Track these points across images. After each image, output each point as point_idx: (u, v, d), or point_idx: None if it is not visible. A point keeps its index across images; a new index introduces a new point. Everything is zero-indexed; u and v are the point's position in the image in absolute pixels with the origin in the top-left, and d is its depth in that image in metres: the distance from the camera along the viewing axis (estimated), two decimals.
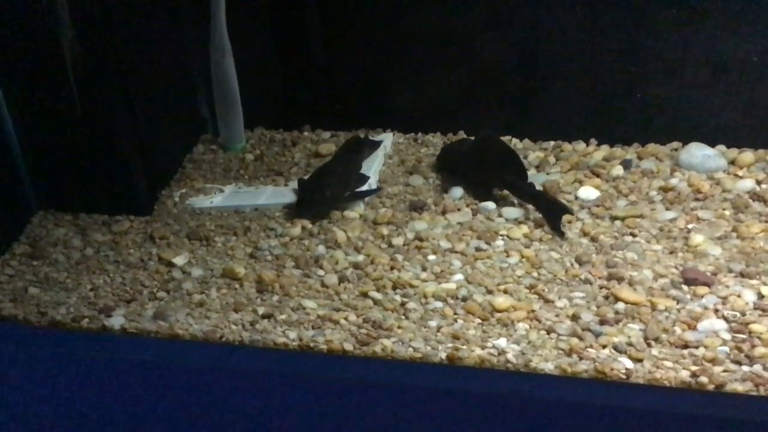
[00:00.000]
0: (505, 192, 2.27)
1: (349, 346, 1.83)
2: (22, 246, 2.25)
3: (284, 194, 2.37)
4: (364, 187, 2.33)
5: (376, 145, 2.53)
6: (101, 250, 2.22)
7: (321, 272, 2.06)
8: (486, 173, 2.30)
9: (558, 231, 2.12)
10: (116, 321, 1.96)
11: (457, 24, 2.47)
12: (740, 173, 2.23)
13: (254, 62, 2.58)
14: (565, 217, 2.13)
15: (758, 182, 2.18)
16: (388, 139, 2.59)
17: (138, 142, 2.30)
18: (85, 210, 2.33)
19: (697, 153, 2.27)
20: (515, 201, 2.24)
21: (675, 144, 2.39)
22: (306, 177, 2.39)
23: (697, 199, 2.16)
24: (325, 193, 2.24)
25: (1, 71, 2.18)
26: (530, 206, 2.20)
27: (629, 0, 2.29)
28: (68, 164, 2.27)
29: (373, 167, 2.43)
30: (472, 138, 2.46)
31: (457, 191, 2.31)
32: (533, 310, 1.87)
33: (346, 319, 1.91)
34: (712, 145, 2.32)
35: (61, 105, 2.16)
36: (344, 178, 2.32)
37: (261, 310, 1.95)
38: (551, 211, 2.16)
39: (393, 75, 2.59)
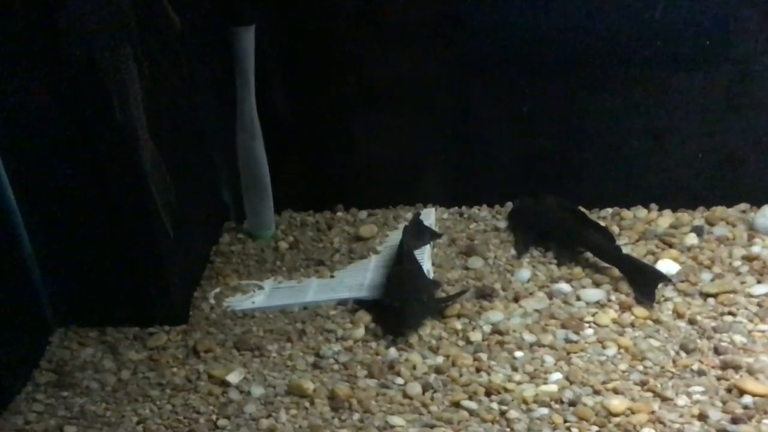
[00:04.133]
0: (588, 255, 2.14)
1: None
2: (45, 374, 1.92)
3: (333, 288, 2.12)
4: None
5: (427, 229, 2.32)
6: (139, 371, 1.91)
7: (400, 380, 1.82)
8: (570, 234, 2.17)
9: (650, 298, 1.97)
10: None
11: (497, 87, 2.33)
12: None
13: (278, 141, 2.34)
14: (657, 291, 1.99)
15: None
16: (431, 215, 2.39)
17: (166, 239, 1.99)
18: (112, 324, 2.02)
19: None
20: (592, 276, 2.08)
21: (743, 206, 2.27)
22: (387, 287, 2.06)
23: None
24: (423, 300, 1.98)
25: (10, 165, 1.88)
26: (609, 285, 2.05)
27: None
28: (88, 271, 1.96)
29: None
30: (549, 197, 2.30)
31: (525, 273, 2.12)
32: (653, 411, 1.68)
33: None
34: None
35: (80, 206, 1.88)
36: (425, 280, 2.08)
37: None
38: (642, 277, 2.01)
39: (430, 144, 2.41)
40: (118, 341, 2.00)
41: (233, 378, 1.86)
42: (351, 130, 2.43)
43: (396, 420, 1.73)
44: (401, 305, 1.95)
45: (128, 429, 1.75)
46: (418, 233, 2.28)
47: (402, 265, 2.11)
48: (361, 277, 2.15)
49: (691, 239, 2.18)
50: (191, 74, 2.14)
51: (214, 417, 1.76)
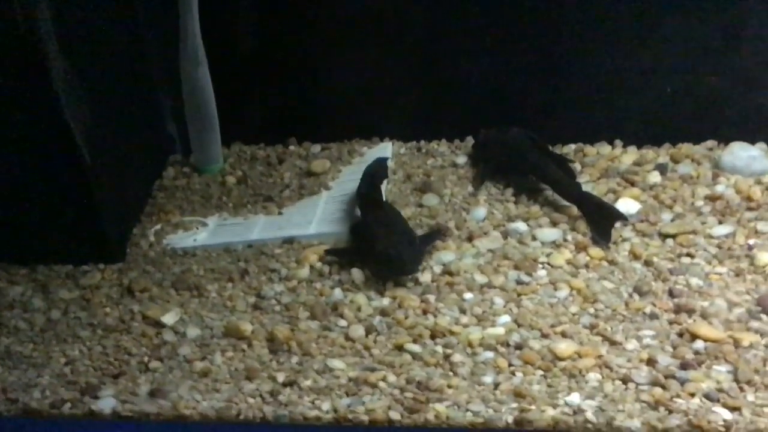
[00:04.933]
0: (549, 191, 2.06)
1: (395, 415, 1.54)
2: None
3: (280, 225, 2.04)
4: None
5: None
6: (70, 311, 1.84)
7: (343, 323, 1.76)
8: (530, 167, 2.09)
9: (606, 237, 1.90)
10: (105, 404, 1.61)
11: (462, 20, 2.19)
12: None
13: (227, 70, 2.21)
14: (614, 232, 1.91)
15: None
16: (387, 149, 2.29)
17: (100, 173, 1.89)
18: (44, 261, 1.93)
19: (742, 154, 2.06)
20: (551, 215, 2.00)
21: (710, 143, 2.18)
22: (372, 234, 1.92)
23: (750, 209, 1.95)
24: (417, 243, 1.88)
25: None
26: (567, 225, 1.97)
27: None
28: (17, 206, 1.86)
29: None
30: (514, 129, 2.20)
31: (481, 212, 2.04)
32: (601, 356, 1.62)
33: (384, 380, 1.61)
34: (752, 142, 2.12)
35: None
36: (407, 222, 1.99)
37: (280, 377, 1.64)
38: (599, 216, 1.94)
39: (389, 76, 2.28)
40: (50, 279, 1.92)
41: (168, 319, 1.79)
42: (307, 60, 2.30)
43: (336, 363, 1.67)
44: (398, 252, 1.84)
45: (55, 370, 1.68)
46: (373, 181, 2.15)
47: (384, 210, 2.00)
48: (310, 214, 2.07)
49: (654, 177, 2.09)
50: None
51: (146, 359, 1.70)
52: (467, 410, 1.54)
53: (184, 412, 1.58)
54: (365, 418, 1.55)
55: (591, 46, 2.18)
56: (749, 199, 1.98)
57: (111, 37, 1.99)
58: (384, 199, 2.06)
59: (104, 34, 1.98)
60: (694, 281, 1.78)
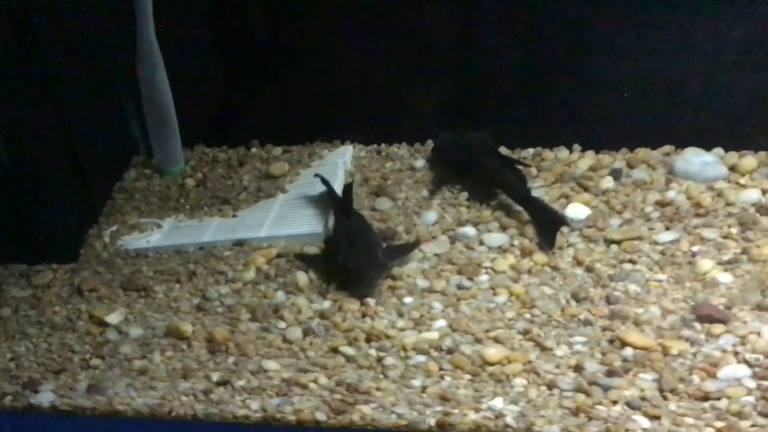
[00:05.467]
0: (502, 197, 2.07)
1: (321, 416, 1.56)
2: None
3: (233, 228, 2.07)
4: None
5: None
6: (20, 309, 1.90)
7: (282, 325, 1.79)
8: (483, 172, 2.10)
9: (550, 243, 1.90)
10: (44, 397, 1.66)
11: (425, 22, 2.21)
12: (743, 181, 2.01)
13: (190, 72, 2.25)
14: (560, 237, 1.92)
15: (764, 192, 1.96)
16: (347, 153, 2.31)
17: (55, 175, 1.96)
18: None
19: (695, 160, 2.04)
20: (501, 219, 2.00)
21: (667, 148, 2.16)
22: (337, 244, 1.94)
23: (698, 215, 1.93)
24: (378, 257, 1.86)
25: None
26: (516, 230, 1.97)
27: None
28: None
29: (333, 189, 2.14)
30: (470, 133, 2.22)
31: (431, 216, 2.05)
32: (530, 361, 1.63)
33: (315, 382, 1.64)
34: (708, 148, 2.10)
35: None
36: (374, 235, 1.97)
37: (215, 376, 1.67)
38: (545, 221, 1.95)
39: (351, 79, 2.31)
40: (4, 278, 1.98)
41: (113, 318, 1.83)
42: (270, 63, 2.33)
43: (270, 364, 1.69)
44: (357, 266, 1.85)
45: (1, 365, 1.74)
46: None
47: (350, 220, 1.99)
48: (263, 217, 2.09)
49: (608, 182, 2.08)
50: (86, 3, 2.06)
51: (87, 356, 1.75)
52: (392, 412, 1.55)
53: (118, 408, 1.63)
54: (292, 418, 1.59)
55: (554, 53, 2.18)
56: (698, 205, 1.96)
57: (73, 40, 2.05)
58: (350, 206, 2.03)
59: (67, 36, 2.03)
60: (633, 288, 1.77)
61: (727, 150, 2.10)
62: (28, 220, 1.95)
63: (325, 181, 2.14)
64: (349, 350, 1.71)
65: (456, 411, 1.54)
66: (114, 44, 2.18)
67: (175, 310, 1.85)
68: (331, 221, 2.07)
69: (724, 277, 1.76)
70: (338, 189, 2.14)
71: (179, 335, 1.78)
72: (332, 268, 1.91)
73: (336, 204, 2.08)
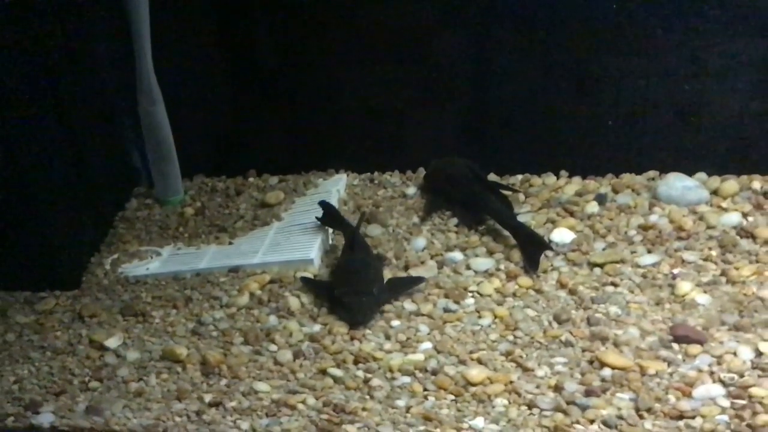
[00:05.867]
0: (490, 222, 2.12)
1: None
2: None
3: (228, 254, 2.14)
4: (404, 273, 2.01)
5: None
6: (24, 334, 1.98)
7: (273, 348, 1.85)
8: (471, 199, 2.16)
9: (534, 266, 1.96)
10: (45, 418, 1.73)
11: (411, 52, 2.28)
12: (724, 204, 2.05)
13: (189, 104, 2.34)
14: (540, 267, 1.97)
15: (744, 215, 2.00)
16: (341, 181, 2.38)
17: (58, 205, 2.06)
18: (4, 287, 2.08)
19: (677, 185, 2.09)
20: (488, 244, 2.06)
21: (651, 173, 2.21)
22: (338, 275, 2.01)
23: (680, 238, 1.98)
24: (373, 294, 1.90)
25: None
26: (502, 254, 2.03)
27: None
28: None
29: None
30: (460, 160, 2.28)
31: (420, 242, 2.11)
32: (511, 382, 1.67)
33: (303, 402, 1.69)
34: (692, 172, 2.15)
35: None
36: (377, 267, 2.02)
37: (208, 398, 1.73)
38: (529, 245, 2.00)
39: (345, 110, 2.38)
40: (9, 305, 2.07)
41: (112, 342, 1.90)
42: (266, 96, 2.42)
43: (261, 386, 1.75)
44: (349, 300, 1.90)
45: (4, 387, 1.81)
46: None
47: (353, 253, 2.04)
48: (257, 244, 2.16)
49: (593, 207, 2.13)
50: (89, 39, 2.16)
51: (87, 379, 1.82)
52: None
53: (114, 428, 1.69)
54: None
55: (544, 83, 2.24)
56: (680, 228, 2.00)
57: (80, 73, 2.16)
58: (357, 237, 2.08)
59: (75, 69, 2.14)
60: (613, 310, 1.82)
61: (710, 174, 2.16)
62: (33, 250, 2.04)
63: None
64: (338, 372, 1.76)
65: (437, 430, 1.59)
66: (117, 78, 2.28)
67: (171, 334, 1.92)
68: (325, 248, 2.14)
69: (703, 299, 1.80)
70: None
71: (174, 358, 1.84)
72: (332, 298, 1.97)
73: (345, 233, 2.14)
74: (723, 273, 1.85)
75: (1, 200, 1.98)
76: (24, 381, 1.83)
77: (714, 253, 1.92)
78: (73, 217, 2.10)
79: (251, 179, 2.46)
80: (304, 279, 2.03)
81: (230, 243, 2.19)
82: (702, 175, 2.15)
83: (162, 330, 1.94)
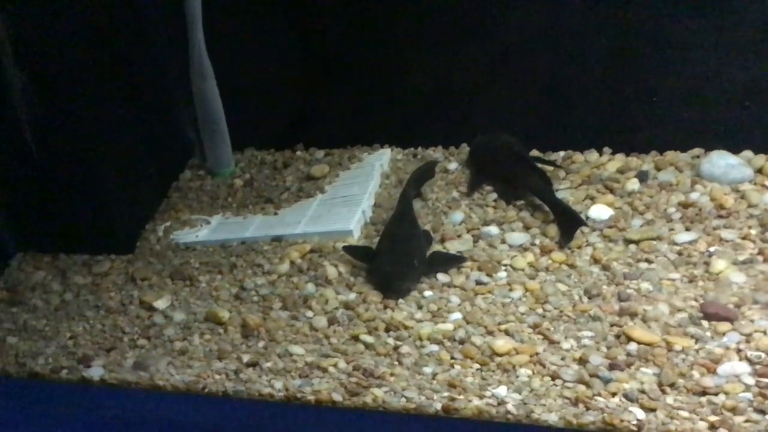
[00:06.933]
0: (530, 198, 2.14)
1: (337, 397, 1.69)
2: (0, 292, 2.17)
3: (273, 225, 2.22)
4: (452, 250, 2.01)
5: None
6: (81, 294, 2.11)
7: (310, 314, 1.92)
8: (511, 174, 2.18)
9: (567, 240, 1.97)
10: (95, 372, 1.86)
11: (458, 28, 2.30)
12: None
13: (241, 80, 2.43)
14: (575, 242, 1.97)
15: None
16: (385, 156, 2.43)
17: (115, 175, 2.18)
18: (66, 251, 2.23)
19: (720, 162, 2.05)
20: (525, 220, 2.07)
21: (697, 151, 2.17)
22: (381, 243, 2.04)
23: (720, 216, 1.95)
24: (414, 265, 1.93)
25: None
26: (538, 229, 2.04)
27: None
28: (44, 201, 2.16)
29: (368, 189, 2.27)
30: (503, 136, 2.29)
31: (458, 216, 2.14)
32: (537, 353, 1.70)
33: (335, 366, 1.77)
34: (738, 150, 2.10)
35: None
36: (421, 240, 2.05)
37: (246, 358, 1.83)
38: (564, 221, 2.01)
39: (390, 86, 2.42)
40: (68, 267, 2.21)
41: (161, 304, 2.02)
42: (316, 71, 2.48)
43: (296, 349, 1.83)
44: (389, 270, 1.93)
45: (60, 343, 1.96)
46: (421, 183, 2.26)
47: (400, 225, 2.08)
48: (300, 215, 2.24)
49: (633, 184, 2.11)
50: (150, 17, 2.27)
51: (135, 337, 1.94)
52: (402, 396, 1.67)
53: (158, 383, 1.81)
54: (311, 398, 1.72)
55: (585, 58, 2.23)
56: (721, 207, 1.97)
57: (140, 51, 2.29)
58: (408, 210, 2.12)
59: (136, 48, 2.27)
60: (645, 286, 1.81)
61: (756, 153, 2.11)
62: (93, 216, 2.18)
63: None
64: (369, 338, 1.83)
65: (461, 397, 1.64)
66: (174, 54, 2.38)
67: (215, 298, 2.02)
68: (365, 220, 2.20)
69: (737, 277, 1.78)
70: (374, 189, 2.28)
71: (217, 321, 1.94)
72: (371, 265, 2.02)
73: (399, 203, 2.16)
74: (760, 252, 1.82)
75: (67, 170, 2.12)
76: (78, 337, 1.97)
77: (753, 231, 1.88)
78: (131, 187, 2.23)
79: (299, 153, 2.54)
80: (347, 247, 2.08)
81: (275, 213, 2.27)
82: (748, 153, 2.10)
83: (207, 294, 2.04)
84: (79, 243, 2.20)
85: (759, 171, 2.05)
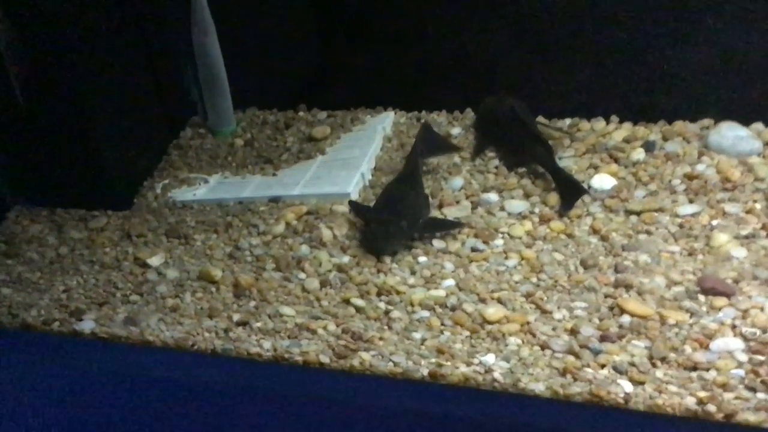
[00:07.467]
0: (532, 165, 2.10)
1: (325, 359, 1.68)
2: None
3: (270, 186, 2.20)
4: (449, 215, 2.00)
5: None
6: (76, 249, 2.11)
7: (302, 275, 1.91)
8: (512, 141, 2.14)
9: (567, 210, 1.93)
10: (86, 325, 1.87)
11: None
12: None
13: (244, 38, 2.39)
14: (575, 212, 1.93)
15: None
16: (388, 119, 2.39)
17: (112, 131, 2.17)
18: (63, 205, 2.23)
19: (728, 134, 1.99)
20: (526, 187, 2.04)
21: (706, 122, 2.11)
22: (379, 201, 2.03)
23: (725, 189, 1.90)
24: (401, 225, 1.91)
25: None
26: (539, 197, 2.00)
27: None
28: (42, 156, 2.16)
29: (368, 152, 2.23)
30: (509, 100, 2.23)
31: (458, 182, 2.11)
32: (528, 323, 1.68)
33: (324, 328, 1.76)
34: (749, 122, 2.04)
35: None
36: (417, 202, 2.02)
37: (236, 317, 1.82)
38: (565, 190, 1.98)
39: (394, 48, 2.37)
40: (65, 221, 2.21)
41: (155, 261, 2.01)
42: (319, 32, 2.44)
43: (286, 310, 1.82)
44: (377, 228, 1.93)
45: (54, 296, 1.96)
46: (430, 144, 2.21)
47: (398, 186, 2.06)
48: (299, 177, 2.21)
49: (639, 154, 2.06)
50: None
51: (128, 293, 1.94)
52: (390, 361, 1.65)
53: (148, 338, 1.81)
54: (299, 359, 1.71)
55: (593, 25, 2.17)
56: (726, 179, 1.92)
57: (139, 7, 2.24)
58: (410, 171, 2.09)
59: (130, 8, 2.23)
60: (643, 258, 1.77)
61: (767, 125, 2.04)
62: (90, 172, 2.16)
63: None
64: (360, 302, 1.81)
65: (448, 363, 1.62)
66: (176, 9, 2.34)
67: (209, 257, 2.01)
68: (364, 183, 2.17)
69: (738, 252, 1.73)
70: (374, 153, 2.25)
71: (210, 279, 1.93)
72: (365, 225, 2.01)
73: (406, 163, 2.15)
74: (764, 227, 1.77)
75: (65, 125, 2.10)
76: (72, 291, 1.97)
77: (758, 206, 1.83)
78: (129, 143, 2.22)
79: (301, 113, 2.50)
80: (351, 203, 2.06)
81: (274, 174, 2.25)
82: (758, 126, 2.04)
83: (201, 252, 2.03)
84: (77, 198, 2.19)
85: None
